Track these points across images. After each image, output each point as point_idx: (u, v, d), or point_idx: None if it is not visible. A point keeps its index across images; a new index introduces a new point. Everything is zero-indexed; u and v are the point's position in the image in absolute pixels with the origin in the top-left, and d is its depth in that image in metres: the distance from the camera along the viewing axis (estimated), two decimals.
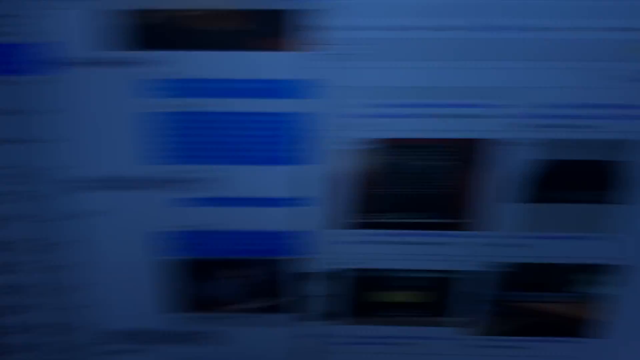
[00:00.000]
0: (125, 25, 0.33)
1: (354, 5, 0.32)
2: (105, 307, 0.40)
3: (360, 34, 0.32)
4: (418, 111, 0.34)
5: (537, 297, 0.40)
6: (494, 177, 0.36)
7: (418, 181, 0.36)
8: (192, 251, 0.39)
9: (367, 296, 0.40)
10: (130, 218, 0.37)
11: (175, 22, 0.33)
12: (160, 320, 0.41)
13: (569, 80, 0.33)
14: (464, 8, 0.32)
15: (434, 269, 0.38)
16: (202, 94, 0.34)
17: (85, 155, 0.36)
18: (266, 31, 0.33)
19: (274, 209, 0.37)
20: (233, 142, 0.36)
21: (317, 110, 0.34)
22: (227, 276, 0.40)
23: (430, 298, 0.40)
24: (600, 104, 0.33)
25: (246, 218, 0.37)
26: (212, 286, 0.40)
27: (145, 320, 0.41)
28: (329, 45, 0.33)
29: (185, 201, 0.37)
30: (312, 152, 0.36)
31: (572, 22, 0.32)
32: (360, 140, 0.35)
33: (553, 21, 0.32)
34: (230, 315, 0.41)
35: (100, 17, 0.33)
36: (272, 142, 0.35)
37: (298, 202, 0.37)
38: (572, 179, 0.35)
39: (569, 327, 0.41)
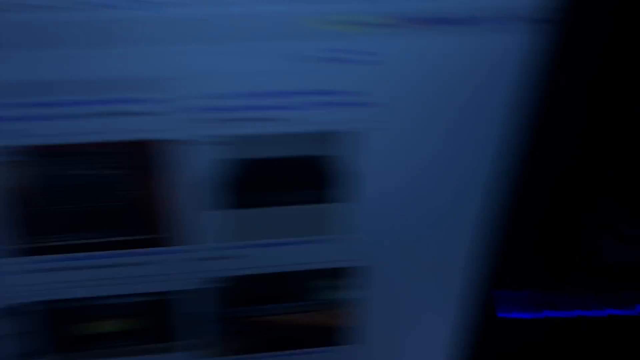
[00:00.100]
0: None
1: None
2: None
3: None
4: (67, 110, 0.27)
5: (272, 309, 0.35)
6: (182, 183, 0.30)
7: (89, 195, 0.29)
8: None
9: (68, 330, 0.34)
10: None
11: None
12: None
13: (248, 64, 0.28)
14: None
15: (133, 292, 0.32)
16: None
17: None
18: None
19: None
20: None
21: None
22: None
23: (145, 323, 0.34)
24: (291, 91, 0.29)
25: None
26: None
27: None
28: None
29: None
30: None
31: None
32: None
33: None
34: None
35: None
36: None
37: None
38: (277, 178, 0.30)
39: (315, 337, 0.36)
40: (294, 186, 0.30)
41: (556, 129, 0.38)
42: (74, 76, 0.26)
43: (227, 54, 0.27)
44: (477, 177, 0.32)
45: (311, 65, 0.27)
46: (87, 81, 0.26)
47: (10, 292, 0.31)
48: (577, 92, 0.36)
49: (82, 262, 0.31)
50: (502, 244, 0.50)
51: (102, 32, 0.25)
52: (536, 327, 0.48)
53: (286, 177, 0.30)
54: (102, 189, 0.29)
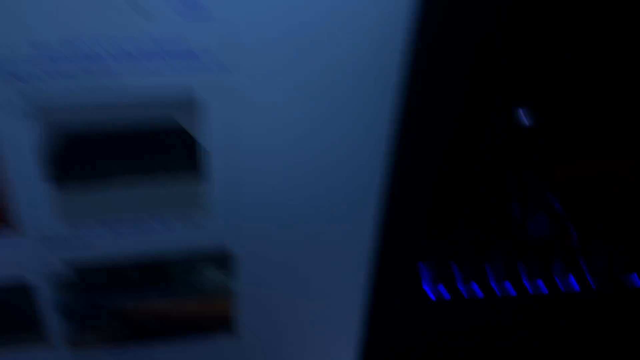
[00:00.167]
0: None
1: None
2: None
3: None
4: None
5: (136, 297, 0.31)
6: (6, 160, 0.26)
7: None
8: None
9: None
10: None
11: None
12: None
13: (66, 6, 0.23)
14: None
15: None
16: None
17: None
18: None
19: None
20: None
21: None
22: None
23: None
24: (116, 41, 0.24)
25: None
26: None
27: None
28: None
29: None
30: None
31: None
32: None
33: None
34: None
35: None
36: None
37: None
38: (117, 152, 0.27)
39: (188, 326, 0.34)
40: (136, 161, 0.27)
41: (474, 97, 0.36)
42: None
43: None
44: (368, 147, 0.30)
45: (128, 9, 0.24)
46: None
47: None
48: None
49: None
50: (418, 217, 0.49)
51: None
52: (461, 304, 0.48)
53: (128, 150, 0.27)
54: None
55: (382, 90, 0.28)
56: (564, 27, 0.38)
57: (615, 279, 0.49)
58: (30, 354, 0.33)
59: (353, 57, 0.27)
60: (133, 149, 0.27)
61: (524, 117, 0.44)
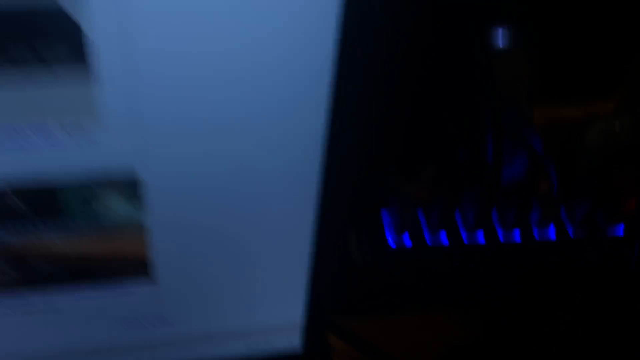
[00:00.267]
0: None
1: None
2: None
3: None
4: None
5: (30, 231, 0.26)
6: None
7: None
8: None
9: None
10: None
11: None
12: None
13: None
14: None
15: None
16: None
17: None
18: None
19: None
20: None
21: None
22: None
23: None
24: None
25: None
26: None
27: None
28: None
29: None
30: None
31: None
32: None
33: None
34: None
35: None
36: None
37: None
38: None
39: (89, 272, 0.28)
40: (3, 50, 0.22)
41: None
42: None
43: None
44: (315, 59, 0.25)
45: None
46: None
47: None
48: None
49: None
50: (378, 158, 0.44)
51: None
52: (425, 253, 0.43)
53: None
54: None
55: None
56: None
57: (595, 229, 0.44)
58: None
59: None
60: None
61: (500, 38, 0.38)
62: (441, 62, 0.39)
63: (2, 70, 0.21)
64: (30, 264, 0.27)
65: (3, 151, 0.23)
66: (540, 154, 0.39)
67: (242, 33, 0.22)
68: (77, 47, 0.21)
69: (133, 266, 0.28)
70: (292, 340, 0.34)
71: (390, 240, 0.41)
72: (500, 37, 0.38)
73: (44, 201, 0.25)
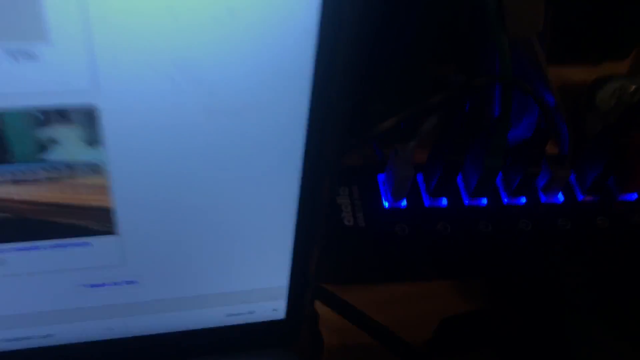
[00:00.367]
0: None
1: None
2: None
3: None
4: None
5: None
6: None
7: None
8: None
9: None
10: None
11: None
12: None
13: None
14: None
15: None
16: None
17: None
18: None
19: None
20: None
21: None
22: None
23: None
24: None
25: None
26: None
27: None
28: None
29: None
30: None
31: None
32: None
33: None
34: None
35: None
36: None
37: None
38: None
39: (38, 223, 0.23)
40: None
41: None
42: None
43: None
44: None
45: None
46: None
47: None
48: None
49: None
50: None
51: None
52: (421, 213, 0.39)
53: None
54: None
55: None
56: None
57: (606, 194, 0.41)
58: None
59: None
60: None
61: None
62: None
63: None
64: None
65: None
66: (552, 108, 0.35)
67: None
68: None
69: (92, 216, 0.24)
70: (277, 307, 0.30)
71: (385, 200, 0.38)
72: None
73: None
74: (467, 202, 0.38)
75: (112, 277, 0.27)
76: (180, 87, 0.21)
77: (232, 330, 0.30)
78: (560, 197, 0.40)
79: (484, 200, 0.38)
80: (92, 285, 0.27)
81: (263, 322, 0.31)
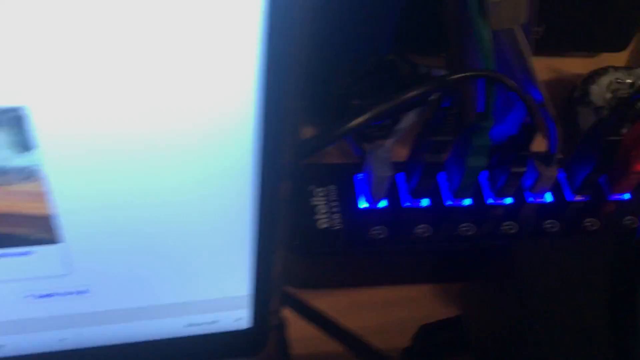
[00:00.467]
0: None
1: None
2: None
3: None
4: None
5: None
6: None
7: None
8: None
9: None
10: None
11: None
12: None
13: None
14: None
15: None
16: None
17: None
18: None
19: None
20: None
21: None
22: None
23: None
24: None
25: None
26: None
27: None
28: None
29: None
30: None
31: None
32: None
33: None
34: None
35: None
36: None
37: None
38: None
39: None
40: None
41: None
42: None
43: None
44: None
45: None
46: None
47: None
48: None
49: None
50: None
51: None
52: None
53: None
54: None
55: None
56: None
57: (597, 193, 0.39)
58: None
59: None
60: None
61: None
62: None
63: None
64: None
65: None
66: (538, 103, 0.34)
67: None
68: None
69: (32, 224, 0.23)
70: (240, 316, 0.29)
71: (364, 201, 0.36)
72: None
73: None
74: (449, 202, 0.37)
75: (61, 287, 0.25)
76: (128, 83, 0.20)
77: (194, 341, 0.29)
78: (548, 197, 0.38)
79: (467, 201, 0.37)
80: (41, 296, 0.26)
81: (226, 332, 0.29)
